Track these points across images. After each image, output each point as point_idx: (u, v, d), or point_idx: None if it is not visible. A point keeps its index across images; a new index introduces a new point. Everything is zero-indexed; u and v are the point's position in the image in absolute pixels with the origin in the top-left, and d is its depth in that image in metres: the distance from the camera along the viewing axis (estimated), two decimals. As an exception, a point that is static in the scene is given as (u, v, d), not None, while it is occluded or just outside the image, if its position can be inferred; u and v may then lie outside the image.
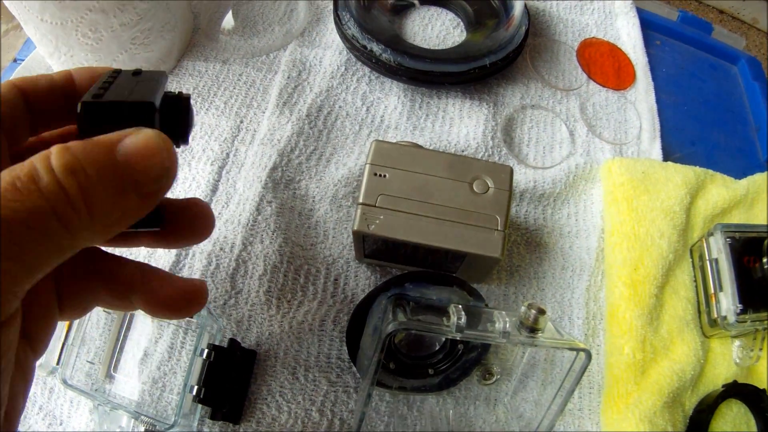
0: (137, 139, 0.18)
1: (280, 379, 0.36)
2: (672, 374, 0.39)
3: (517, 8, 0.46)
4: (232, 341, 0.36)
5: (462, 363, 0.36)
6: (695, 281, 0.45)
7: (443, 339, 0.36)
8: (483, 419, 0.38)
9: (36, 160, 0.16)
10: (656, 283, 0.42)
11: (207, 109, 0.48)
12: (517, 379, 0.39)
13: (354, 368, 0.36)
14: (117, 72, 0.22)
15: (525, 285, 0.41)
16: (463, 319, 0.30)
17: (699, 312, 0.44)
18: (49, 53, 0.49)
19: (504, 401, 0.38)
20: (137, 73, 0.22)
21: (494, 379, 0.38)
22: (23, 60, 0.59)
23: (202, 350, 0.35)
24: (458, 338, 0.31)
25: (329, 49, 0.50)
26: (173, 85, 0.51)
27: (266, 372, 0.36)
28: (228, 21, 0.53)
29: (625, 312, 0.41)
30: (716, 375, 0.43)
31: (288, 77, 0.48)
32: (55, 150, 0.16)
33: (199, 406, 0.34)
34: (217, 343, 0.36)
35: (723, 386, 0.41)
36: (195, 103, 0.49)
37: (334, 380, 0.36)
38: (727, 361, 0.42)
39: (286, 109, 0.46)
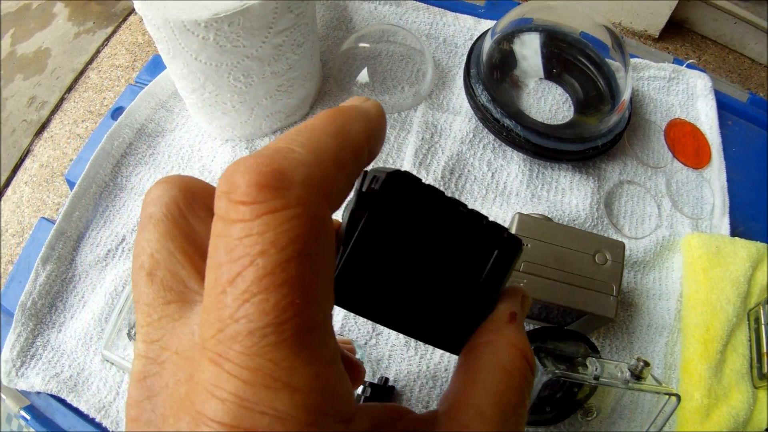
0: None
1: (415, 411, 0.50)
2: (729, 417, 0.54)
3: (627, 95, 0.61)
4: (386, 379, 0.50)
5: (573, 403, 0.51)
6: (750, 341, 0.60)
7: (561, 382, 0.51)
8: (583, 447, 0.52)
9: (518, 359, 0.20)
10: (722, 342, 0.57)
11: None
12: (608, 417, 0.53)
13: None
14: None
15: (618, 338, 0.55)
16: (599, 369, 0.44)
17: (751, 366, 0.59)
18: (192, 89, 0.57)
19: (599, 433, 0.53)
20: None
21: (594, 416, 0.52)
22: (144, 84, 0.68)
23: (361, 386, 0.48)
24: (594, 384, 0.45)
25: (459, 116, 0.63)
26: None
27: (401, 404, 0.47)
28: (363, 76, 0.65)
29: (696, 365, 0.55)
30: (761, 419, 0.58)
31: (422, 138, 0.61)
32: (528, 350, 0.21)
33: None
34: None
35: (766, 429, 0.57)
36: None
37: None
38: (772, 409, 0.58)
39: (422, 168, 0.59)
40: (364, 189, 0.20)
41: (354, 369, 0.26)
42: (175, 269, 0.18)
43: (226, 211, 0.14)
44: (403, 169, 0.20)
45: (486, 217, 0.21)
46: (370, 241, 0.19)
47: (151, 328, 0.17)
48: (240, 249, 0.14)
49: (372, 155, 0.19)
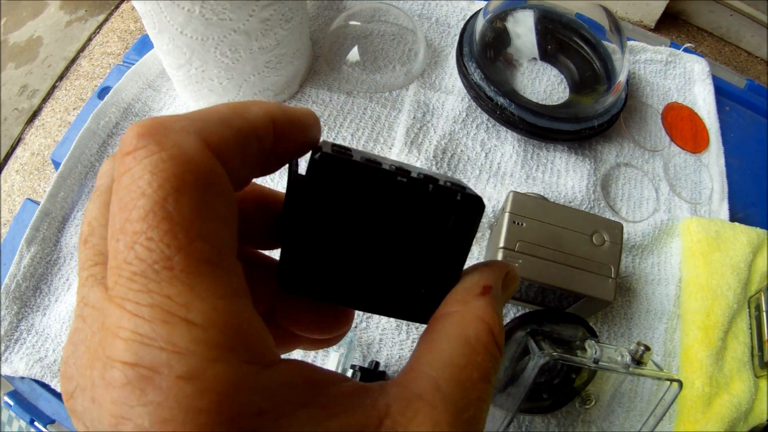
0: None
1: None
2: (731, 406, 0.52)
3: (623, 76, 0.59)
4: (377, 363, 0.48)
5: (571, 389, 0.49)
6: (750, 328, 0.58)
7: (558, 367, 0.49)
8: (580, 437, 0.50)
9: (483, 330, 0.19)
10: (723, 329, 0.55)
11: (334, 140, 0.59)
12: (607, 405, 0.51)
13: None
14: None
15: (616, 324, 0.53)
16: (598, 353, 0.42)
17: (752, 355, 0.57)
18: (178, 65, 0.55)
19: (597, 423, 0.51)
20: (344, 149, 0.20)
21: (592, 404, 0.50)
22: (132, 63, 0.66)
23: (351, 370, 0.46)
24: (593, 368, 0.43)
25: (451, 95, 0.61)
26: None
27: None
28: (353, 54, 0.63)
29: (697, 352, 0.53)
30: (762, 410, 0.56)
31: (414, 117, 0.59)
32: (496, 325, 0.20)
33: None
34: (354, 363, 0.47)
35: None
36: (323, 132, 0.60)
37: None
38: (773, 398, 0.56)
39: (414, 148, 0.57)
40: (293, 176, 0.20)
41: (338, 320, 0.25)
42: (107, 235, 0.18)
43: (117, 168, 0.15)
44: (335, 144, 0.20)
45: (436, 181, 0.20)
46: (305, 226, 0.19)
47: (80, 289, 0.17)
48: (126, 196, 0.15)
49: (285, 135, 0.19)
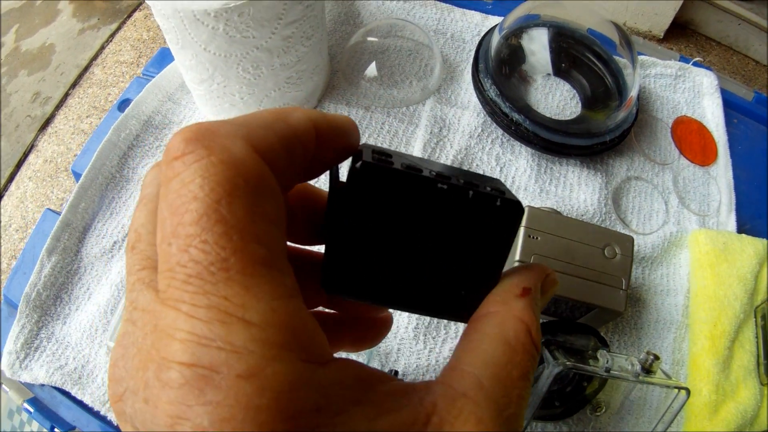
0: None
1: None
2: (737, 413, 0.54)
3: (634, 91, 0.60)
4: (396, 372, 0.49)
5: (582, 397, 0.50)
6: (757, 337, 0.59)
7: (570, 376, 0.50)
8: (591, 443, 0.52)
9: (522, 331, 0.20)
10: (730, 338, 0.56)
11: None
12: (617, 412, 0.53)
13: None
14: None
15: (626, 334, 0.55)
16: (610, 362, 0.44)
17: (758, 363, 0.59)
18: (201, 80, 0.56)
19: (607, 430, 0.52)
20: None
21: (603, 411, 0.52)
22: (152, 76, 0.68)
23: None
24: (605, 377, 0.45)
25: (467, 110, 0.63)
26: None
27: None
28: (371, 69, 0.65)
29: (704, 361, 0.55)
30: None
31: (430, 132, 0.61)
32: (534, 326, 0.20)
33: None
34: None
35: (769, 430, 0.56)
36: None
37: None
38: (779, 405, 0.57)
39: (430, 161, 0.59)
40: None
41: (378, 323, 0.26)
42: (155, 241, 0.18)
43: (165, 173, 0.15)
44: (375, 148, 0.20)
45: (476, 187, 0.20)
46: (347, 231, 0.20)
47: (129, 294, 0.17)
48: (177, 200, 0.15)
49: (326, 140, 0.19)
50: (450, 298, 0.22)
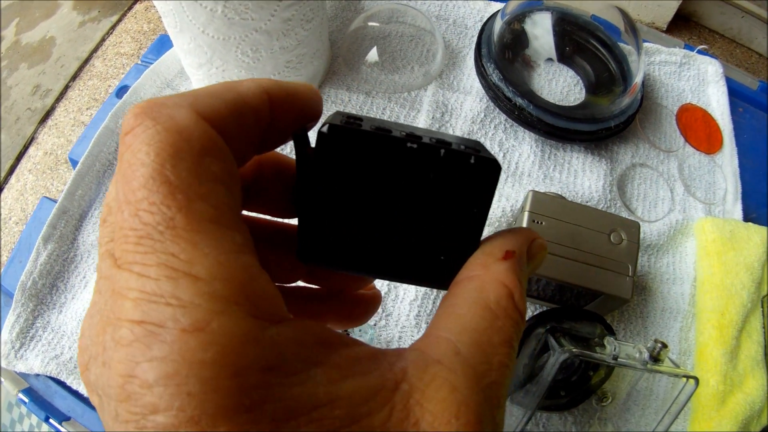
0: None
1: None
2: (745, 404, 0.53)
3: (639, 77, 0.59)
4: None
5: (588, 387, 0.49)
6: (764, 327, 0.58)
7: (576, 364, 0.49)
8: (597, 432, 0.51)
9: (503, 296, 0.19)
10: (737, 327, 0.55)
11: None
12: (623, 402, 0.52)
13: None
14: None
15: (632, 322, 0.54)
16: (617, 350, 0.42)
17: (765, 353, 0.58)
18: (199, 64, 0.55)
19: (613, 420, 0.52)
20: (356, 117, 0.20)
21: (608, 401, 0.51)
22: (150, 63, 0.66)
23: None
24: (612, 364, 0.44)
25: (469, 95, 0.62)
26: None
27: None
28: (372, 55, 0.64)
29: (712, 350, 0.54)
30: (776, 411, 0.57)
31: (432, 117, 0.60)
32: (517, 290, 0.19)
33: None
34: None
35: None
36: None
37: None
38: (787, 395, 0.56)
39: (432, 147, 0.58)
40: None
41: (365, 299, 0.26)
42: None
43: (119, 149, 0.16)
44: (350, 114, 0.20)
45: (448, 145, 0.19)
46: (319, 199, 0.19)
47: (98, 266, 0.17)
48: (129, 170, 0.15)
49: (282, 108, 0.19)
50: (430, 265, 0.21)
